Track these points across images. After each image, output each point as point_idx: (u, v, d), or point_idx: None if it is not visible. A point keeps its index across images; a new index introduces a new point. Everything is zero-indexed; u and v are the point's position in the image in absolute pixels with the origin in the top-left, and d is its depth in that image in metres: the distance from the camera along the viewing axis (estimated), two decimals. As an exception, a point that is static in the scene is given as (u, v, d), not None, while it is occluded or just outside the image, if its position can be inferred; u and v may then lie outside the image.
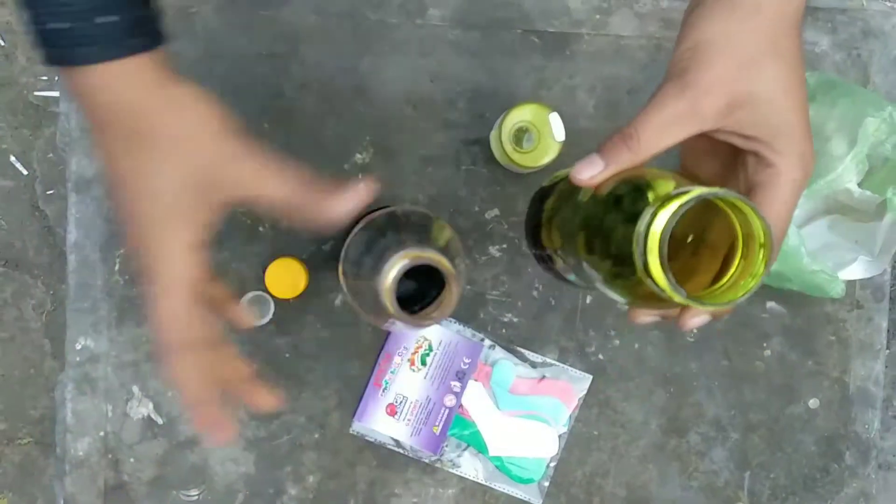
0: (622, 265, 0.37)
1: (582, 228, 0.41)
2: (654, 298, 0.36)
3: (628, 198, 0.38)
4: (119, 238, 0.64)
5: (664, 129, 0.38)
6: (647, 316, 0.40)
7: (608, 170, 0.38)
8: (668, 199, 0.35)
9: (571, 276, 0.45)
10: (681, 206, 0.34)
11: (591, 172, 0.39)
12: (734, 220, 0.37)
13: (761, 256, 0.36)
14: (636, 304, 0.40)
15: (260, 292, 0.64)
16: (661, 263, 0.34)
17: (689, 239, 0.40)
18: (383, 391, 0.65)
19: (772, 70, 0.38)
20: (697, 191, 0.34)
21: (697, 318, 0.38)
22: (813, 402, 0.68)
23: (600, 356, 0.67)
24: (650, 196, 0.36)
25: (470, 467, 0.66)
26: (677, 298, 0.35)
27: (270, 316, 0.64)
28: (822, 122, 0.58)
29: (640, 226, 0.35)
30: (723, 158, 0.41)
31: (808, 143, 0.38)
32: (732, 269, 0.37)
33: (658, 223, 0.35)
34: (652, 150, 0.39)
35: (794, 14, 0.38)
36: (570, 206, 0.42)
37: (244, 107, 0.64)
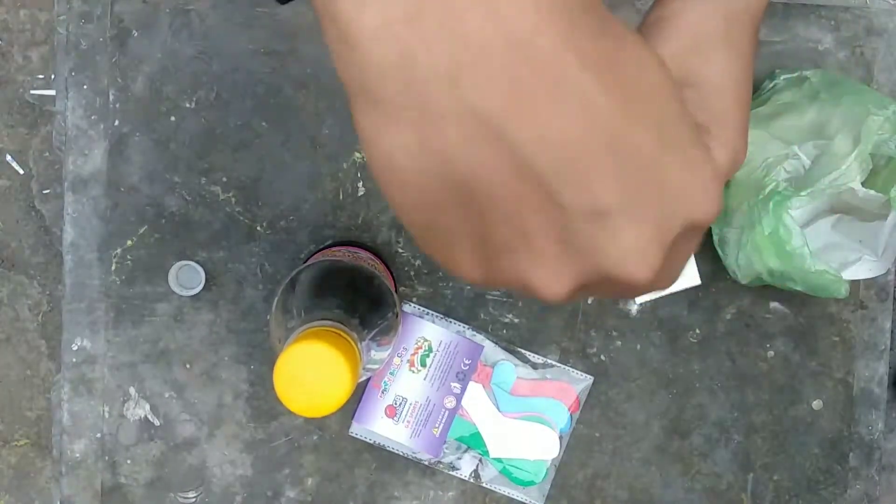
0: None
1: None
2: None
3: None
4: (115, 238, 0.63)
5: None
6: None
7: None
8: None
9: None
10: None
11: None
12: None
13: None
14: None
15: (189, 262, 0.62)
16: None
17: None
18: (382, 392, 0.65)
19: (724, 58, 0.36)
20: None
21: None
22: (816, 404, 0.68)
23: (602, 357, 0.66)
24: None
25: (470, 469, 0.65)
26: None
27: (201, 287, 0.62)
28: (825, 121, 0.57)
29: None
30: None
31: (744, 141, 0.37)
32: None
33: None
34: None
35: (755, 8, 0.37)
36: None
37: (242, 105, 0.64)
